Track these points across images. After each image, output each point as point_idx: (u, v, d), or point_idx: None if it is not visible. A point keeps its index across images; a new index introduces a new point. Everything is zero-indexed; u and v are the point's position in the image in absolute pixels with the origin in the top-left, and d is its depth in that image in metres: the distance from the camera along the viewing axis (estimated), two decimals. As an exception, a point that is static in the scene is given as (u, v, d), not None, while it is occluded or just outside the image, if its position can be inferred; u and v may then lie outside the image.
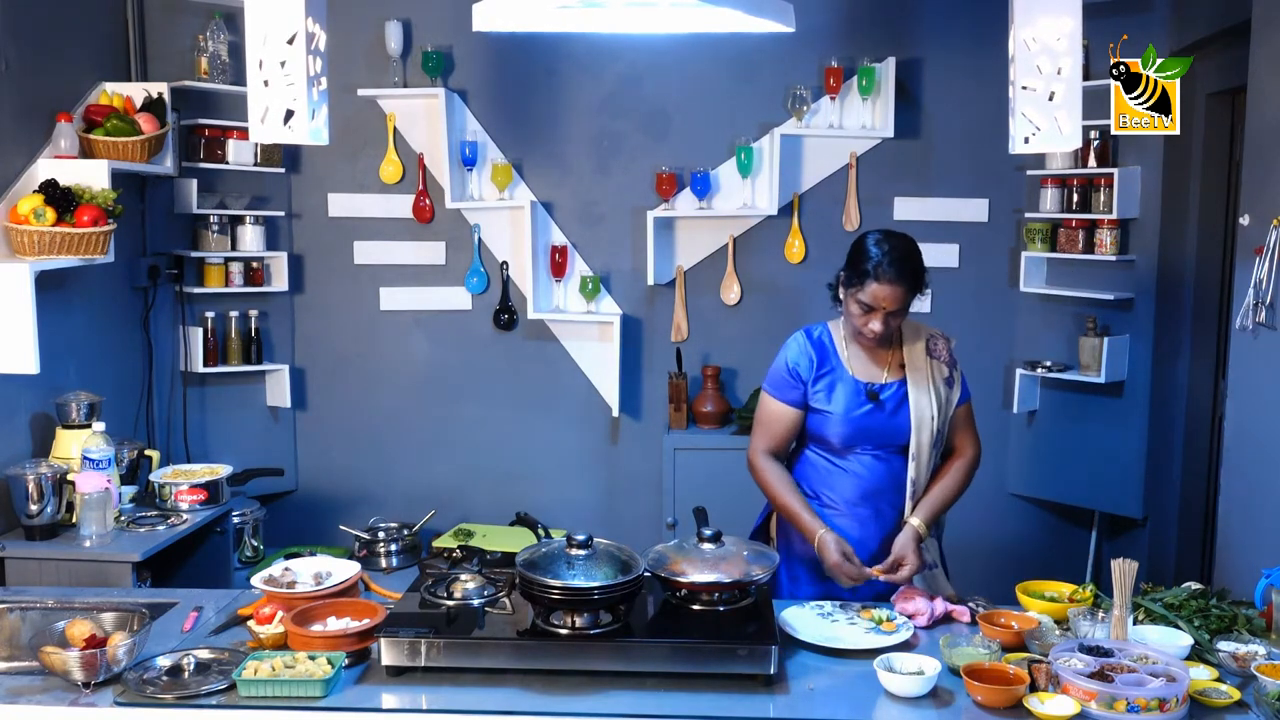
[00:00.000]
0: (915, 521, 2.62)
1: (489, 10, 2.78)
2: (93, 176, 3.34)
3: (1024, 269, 4.14)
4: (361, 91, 4.20)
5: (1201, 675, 2.10)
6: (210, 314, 4.15)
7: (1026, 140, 2.64)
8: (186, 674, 2.17)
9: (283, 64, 2.66)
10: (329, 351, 4.43)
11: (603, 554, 2.21)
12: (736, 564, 2.29)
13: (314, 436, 4.46)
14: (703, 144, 4.28)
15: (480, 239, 4.36)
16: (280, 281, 4.27)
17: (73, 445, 3.22)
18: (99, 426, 3.19)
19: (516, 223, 4.32)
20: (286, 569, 2.44)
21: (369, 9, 4.18)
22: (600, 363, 4.38)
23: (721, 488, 3.99)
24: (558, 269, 4.33)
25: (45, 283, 3.20)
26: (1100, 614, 2.29)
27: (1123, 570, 2.19)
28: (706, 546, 2.32)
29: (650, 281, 4.28)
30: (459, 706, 2.04)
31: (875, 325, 2.55)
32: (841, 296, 2.64)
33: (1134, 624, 2.28)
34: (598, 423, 4.44)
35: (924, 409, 2.62)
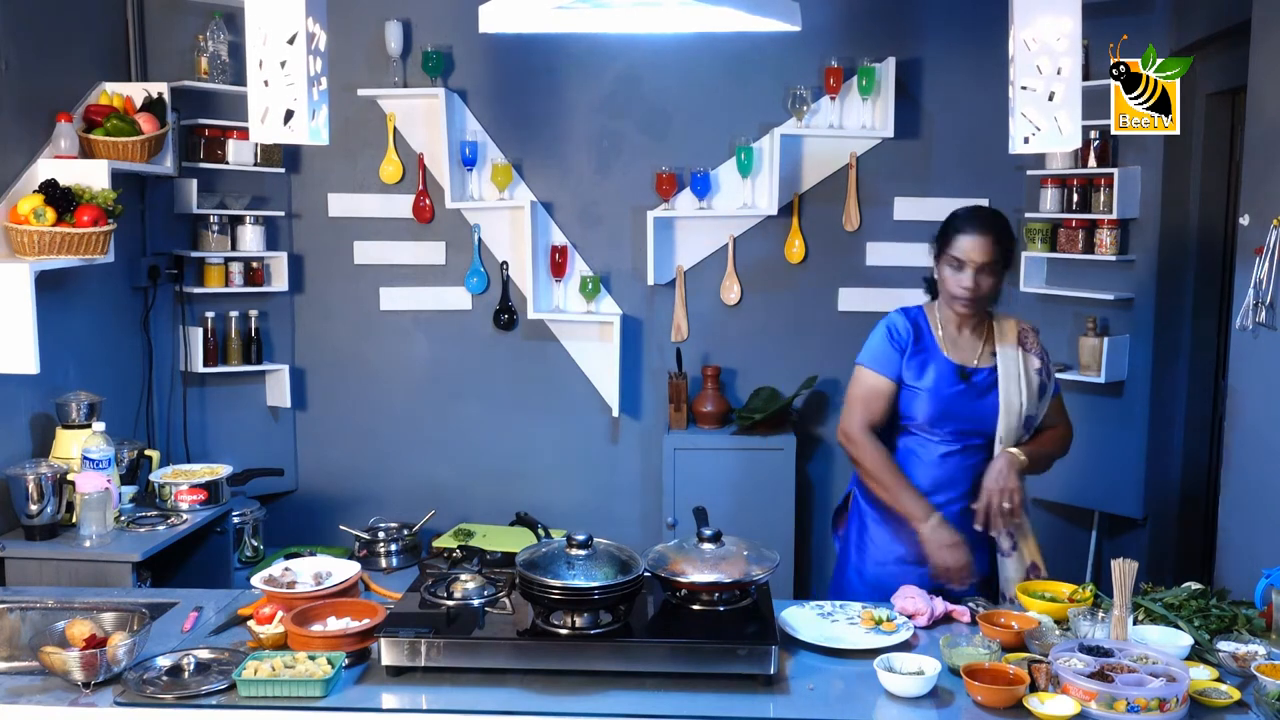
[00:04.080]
0: (1013, 450, 2.64)
1: (495, 11, 2.78)
2: (93, 176, 3.34)
3: (1024, 269, 4.13)
4: (361, 91, 4.20)
5: (1201, 675, 2.10)
6: (210, 314, 4.15)
7: (1026, 140, 2.63)
8: (186, 674, 2.17)
9: (283, 64, 2.65)
10: (329, 351, 4.42)
11: (603, 554, 2.21)
12: (736, 564, 2.29)
13: (314, 436, 4.46)
14: (703, 144, 4.27)
15: (480, 239, 4.36)
16: (280, 281, 4.27)
17: (73, 445, 3.22)
18: (99, 426, 3.18)
19: (516, 223, 4.32)
20: (286, 569, 2.44)
21: (369, 9, 4.18)
22: (600, 363, 4.38)
23: (721, 488, 4.01)
24: (558, 269, 4.32)
25: (45, 283, 3.19)
26: (1100, 614, 2.29)
27: (1123, 570, 2.19)
28: (706, 546, 2.32)
29: (650, 281, 4.28)
30: (459, 706, 2.04)
31: (966, 281, 2.61)
32: (936, 275, 2.72)
33: (1134, 624, 2.27)
34: (598, 423, 4.44)
35: (1012, 396, 2.66)
